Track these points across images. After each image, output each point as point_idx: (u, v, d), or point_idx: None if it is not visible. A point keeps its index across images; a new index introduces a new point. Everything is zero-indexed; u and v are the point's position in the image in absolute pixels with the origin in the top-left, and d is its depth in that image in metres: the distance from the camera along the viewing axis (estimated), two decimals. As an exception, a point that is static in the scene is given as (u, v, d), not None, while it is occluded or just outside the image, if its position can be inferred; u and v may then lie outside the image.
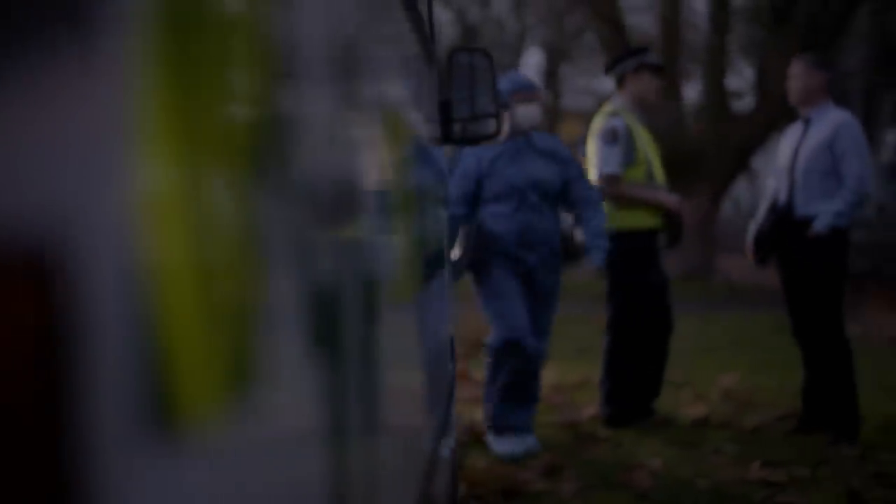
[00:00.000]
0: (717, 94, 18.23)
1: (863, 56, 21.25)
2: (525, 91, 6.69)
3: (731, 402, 8.16)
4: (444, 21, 36.35)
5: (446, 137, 5.29)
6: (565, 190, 6.78)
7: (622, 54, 7.56)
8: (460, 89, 5.28)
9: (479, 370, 9.52)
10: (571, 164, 6.83)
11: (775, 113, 16.86)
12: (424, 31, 4.96)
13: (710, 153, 17.53)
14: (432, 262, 2.62)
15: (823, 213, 6.72)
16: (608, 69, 7.59)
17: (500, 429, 6.65)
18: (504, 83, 6.69)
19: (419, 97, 3.03)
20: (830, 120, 6.91)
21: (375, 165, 1.76)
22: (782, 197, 7.01)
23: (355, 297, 1.48)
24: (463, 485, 5.90)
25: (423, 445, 2.43)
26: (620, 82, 7.44)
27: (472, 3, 35.76)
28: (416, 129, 2.85)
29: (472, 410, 7.96)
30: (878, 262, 18.68)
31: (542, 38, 35.08)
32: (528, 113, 6.66)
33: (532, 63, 35.61)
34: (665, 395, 7.88)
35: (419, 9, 4.83)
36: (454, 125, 5.25)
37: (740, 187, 38.02)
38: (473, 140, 5.33)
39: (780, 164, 7.18)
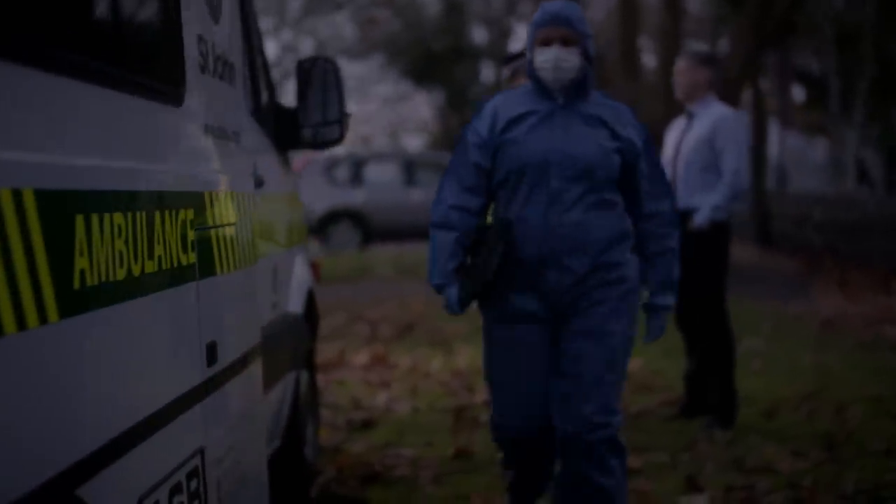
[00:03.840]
0: (670, 74, 18.28)
1: (826, 39, 21.43)
2: (545, 27, 4.52)
3: (628, 386, 8.38)
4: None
5: (294, 143, 5.54)
6: (625, 176, 4.62)
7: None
8: (314, 96, 5.53)
9: (400, 356, 9.77)
10: (635, 140, 4.59)
11: (729, 93, 17.00)
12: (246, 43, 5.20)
13: (663, 132, 17.67)
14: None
15: (702, 206, 6.95)
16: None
17: None
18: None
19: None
20: (712, 115, 7.13)
21: None
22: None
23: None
24: (332, 469, 6.15)
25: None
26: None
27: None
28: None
29: (377, 394, 8.21)
30: (835, 239, 18.78)
31: (531, 13, 35.13)
32: (546, 60, 4.50)
33: (521, 38, 35.53)
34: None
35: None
36: (304, 130, 5.50)
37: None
38: (322, 145, 5.58)
39: (665, 156, 7.40)
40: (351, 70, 35.49)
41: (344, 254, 21.40)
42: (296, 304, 5.60)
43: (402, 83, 38.85)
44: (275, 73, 30.98)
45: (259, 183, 4.68)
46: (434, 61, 37.40)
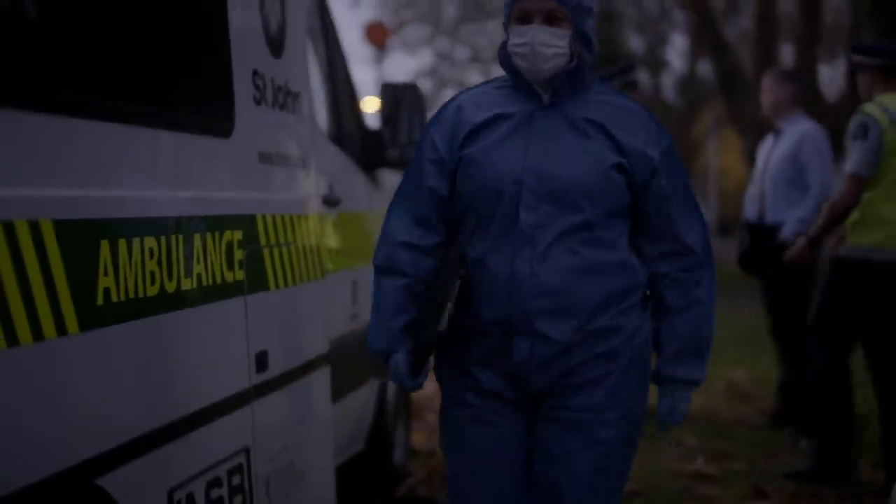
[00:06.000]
0: (808, 82, 18.29)
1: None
2: None
3: (730, 394, 8.57)
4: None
5: (380, 162, 5.89)
6: (636, 204, 3.34)
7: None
8: (400, 118, 5.87)
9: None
10: (649, 151, 3.30)
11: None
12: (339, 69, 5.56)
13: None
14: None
15: (789, 221, 7.13)
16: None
17: None
18: None
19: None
20: (797, 131, 7.30)
21: None
22: (755, 205, 7.43)
23: None
24: (423, 471, 6.47)
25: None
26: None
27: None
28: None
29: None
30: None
31: (685, 20, 34.98)
32: (522, 43, 3.25)
33: (677, 48, 35.46)
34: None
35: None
36: (390, 151, 5.84)
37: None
38: (406, 164, 5.90)
39: (756, 172, 7.60)
40: (505, 78, 35.54)
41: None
42: (382, 315, 5.91)
43: (556, 91, 38.90)
44: (427, 83, 31.47)
45: (334, 202, 5.03)
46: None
